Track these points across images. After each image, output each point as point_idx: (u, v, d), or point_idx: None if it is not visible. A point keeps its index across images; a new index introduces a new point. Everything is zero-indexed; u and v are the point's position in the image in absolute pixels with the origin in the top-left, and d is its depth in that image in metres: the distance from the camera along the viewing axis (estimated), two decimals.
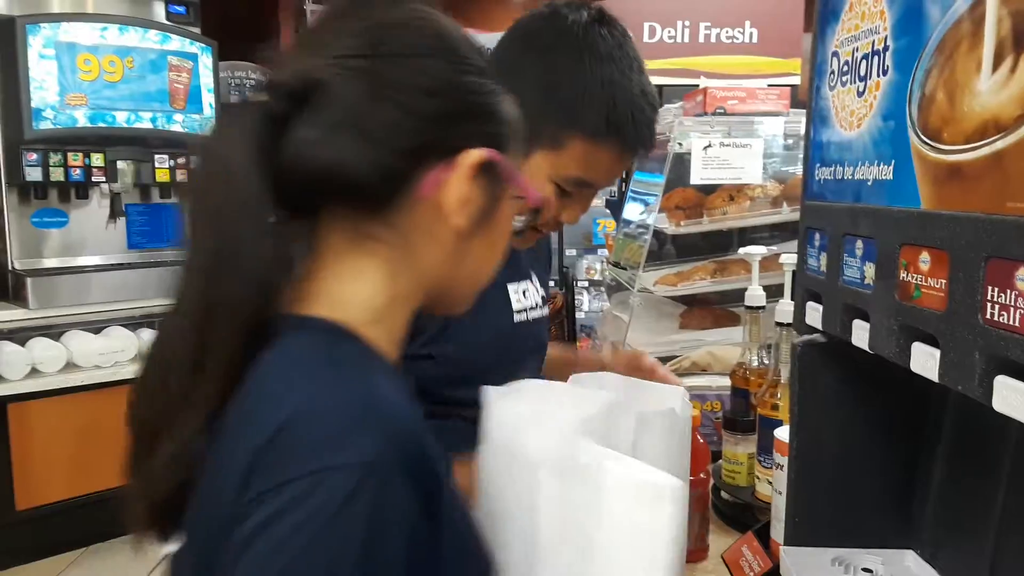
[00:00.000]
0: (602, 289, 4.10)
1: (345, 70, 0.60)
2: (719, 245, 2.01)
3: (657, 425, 0.88)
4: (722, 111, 1.61)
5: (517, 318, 1.11)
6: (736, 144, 1.61)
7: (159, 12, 3.38)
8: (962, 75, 0.60)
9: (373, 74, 0.61)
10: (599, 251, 4.22)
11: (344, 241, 0.63)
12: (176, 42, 3.23)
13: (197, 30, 3.42)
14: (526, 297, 1.14)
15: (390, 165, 0.61)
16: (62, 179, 3.01)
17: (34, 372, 2.93)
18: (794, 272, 0.99)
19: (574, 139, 0.99)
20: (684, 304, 1.97)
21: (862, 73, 0.76)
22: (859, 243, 0.76)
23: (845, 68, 0.80)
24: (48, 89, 2.94)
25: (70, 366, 3.00)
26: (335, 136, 0.59)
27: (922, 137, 0.66)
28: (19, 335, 2.96)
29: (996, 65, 0.57)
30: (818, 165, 0.88)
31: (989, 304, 0.57)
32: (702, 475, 1.15)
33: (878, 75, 0.73)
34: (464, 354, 1.00)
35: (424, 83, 0.62)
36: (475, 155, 0.63)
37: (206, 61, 3.33)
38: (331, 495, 0.49)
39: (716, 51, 4.05)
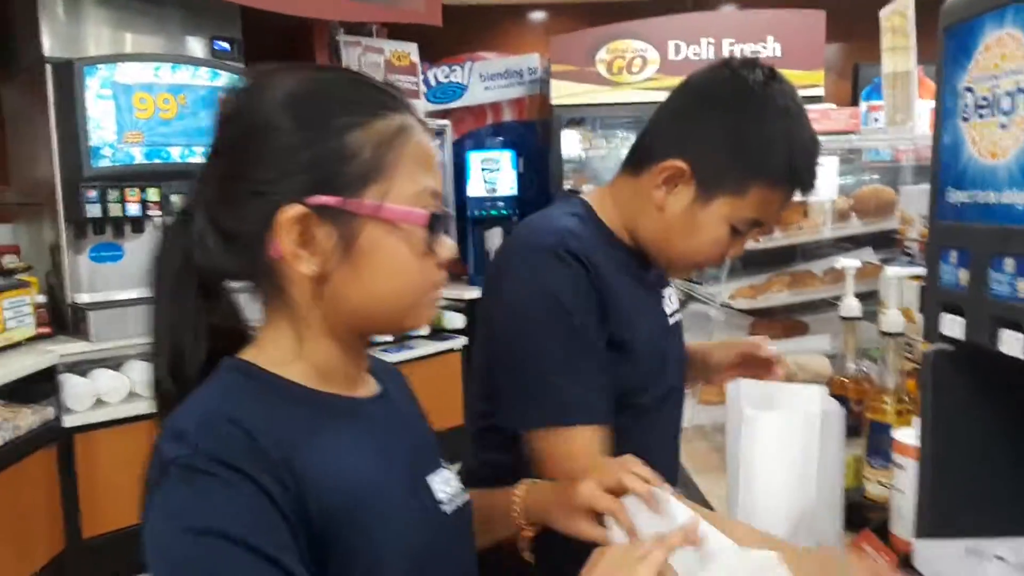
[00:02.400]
0: None
1: (199, 183, 0.77)
2: (781, 257, 2.09)
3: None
4: None
5: (671, 321, 1.24)
6: None
7: (196, 49, 3.48)
8: None
9: (206, 175, 0.76)
10: None
11: (267, 299, 0.78)
12: (225, 78, 3.32)
13: (241, 65, 3.52)
14: (672, 302, 1.26)
15: (235, 251, 0.75)
16: (120, 214, 3.09)
17: (99, 403, 3.00)
18: (922, 287, 1.07)
19: (756, 185, 1.08)
20: (751, 315, 2.04)
21: (1005, 108, 0.85)
22: (1008, 261, 0.84)
23: (983, 103, 0.89)
24: (106, 128, 3.02)
25: (132, 396, 3.07)
26: (200, 239, 0.75)
27: None
28: (81, 367, 3.03)
29: None
30: (951, 189, 0.96)
31: None
32: None
33: None
34: (646, 359, 1.12)
35: (228, 172, 0.74)
36: (287, 212, 0.71)
37: None
38: (167, 493, 0.67)
39: None
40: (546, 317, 1.06)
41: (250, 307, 0.82)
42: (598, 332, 1.07)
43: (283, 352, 0.76)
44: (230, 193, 0.74)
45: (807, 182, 1.11)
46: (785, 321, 1.99)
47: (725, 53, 4.13)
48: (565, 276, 1.05)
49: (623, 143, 4.65)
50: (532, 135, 4.89)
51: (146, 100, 3.10)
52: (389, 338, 3.94)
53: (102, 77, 2.99)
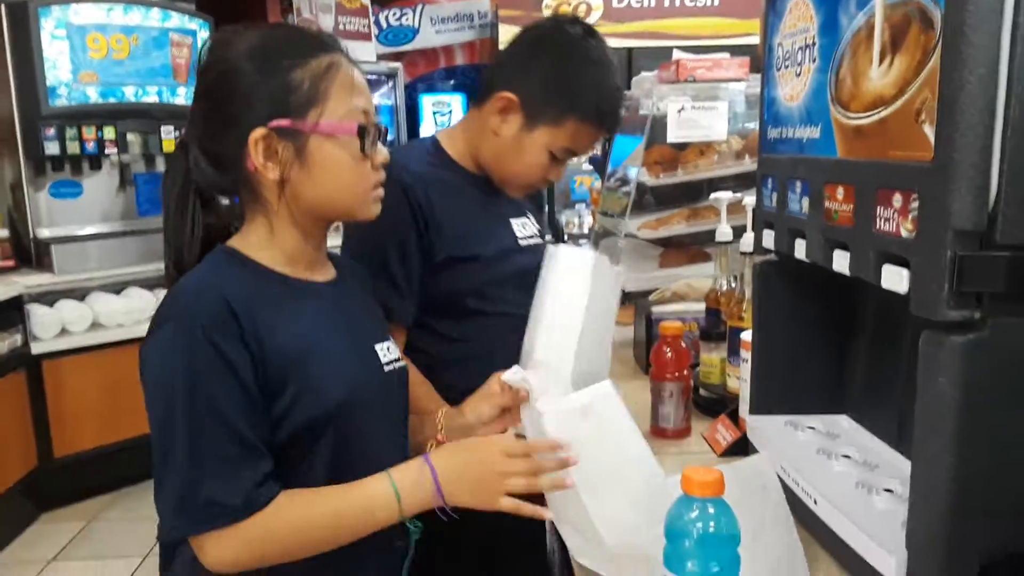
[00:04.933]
0: (581, 242, 4.41)
1: (189, 123, 1.02)
2: (691, 195, 2.30)
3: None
4: (692, 79, 1.89)
5: (522, 243, 1.46)
6: (705, 107, 1.90)
7: None
8: (862, 66, 0.90)
9: (194, 115, 1.01)
10: (576, 206, 4.53)
11: (247, 203, 1.03)
12: (176, 19, 3.42)
13: (192, 6, 3.61)
14: (525, 228, 1.49)
15: (222, 169, 0.99)
16: (77, 152, 3.22)
17: (64, 332, 3.17)
18: (754, 209, 1.29)
19: (570, 121, 1.34)
20: (662, 246, 2.27)
21: (798, 60, 1.06)
22: (798, 184, 1.06)
23: (787, 56, 1.09)
24: (61, 68, 3.13)
25: (96, 325, 3.24)
26: (195, 164, 1.01)
27: (838, 108, 0.95)
28: (47, 298, 3.18)
29: (881, 60, 0.86)
30: (770, 126, 1.17)
31: (878, 218, 0.87)
32: (685, 372, 1.46)
33: (809, 63, 1.02)
34: (487, 271, 1.36)
35: (208, 111, 0.99)
36: (254, 134, 0.96)
37: (204, 36, 3.52)
38: (166, 335, 0.92)
39: (681, 14, 4.32)
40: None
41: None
42: (419, 246, 1.33)
43: (259, 239, 1.02)
44: (212, 126, 0.99)
45: (611, 122, 1.38)
46: (690, 250, 2.22)
47: (666, 2, 4.29)
48: (392, 201, 1.26)
49: None
50: None
51: (99, 40, 3.20)
52: None
53: (56, 18, 3.09)
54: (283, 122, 0.96)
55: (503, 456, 1.00)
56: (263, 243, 1.02)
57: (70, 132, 3.18)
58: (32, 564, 2.90)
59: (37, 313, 3.10)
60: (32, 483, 3.12)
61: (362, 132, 0.99)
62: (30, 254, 3.34)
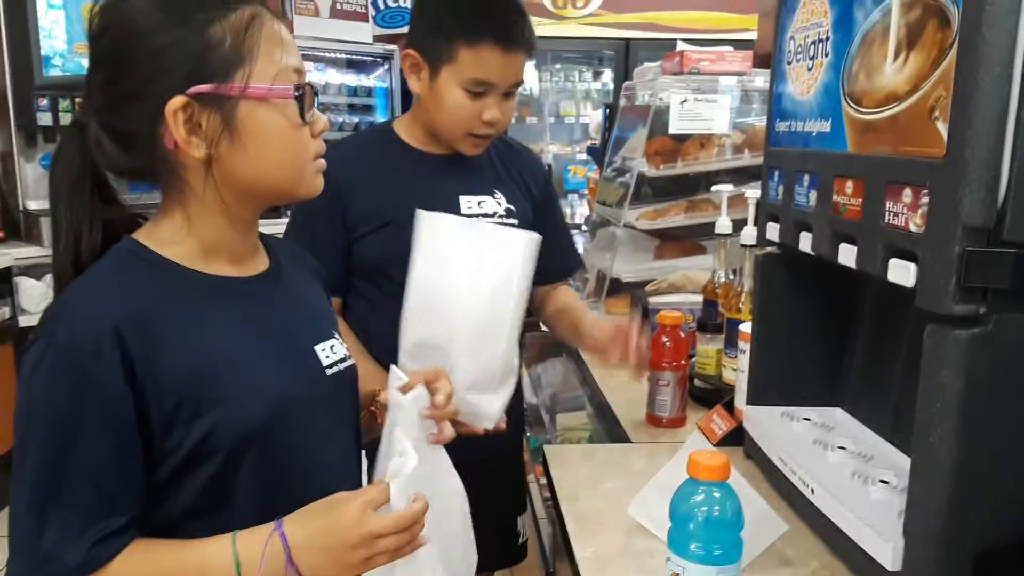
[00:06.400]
0: (573, 232, 4.42)
1: (85, 95, 0.88)
2: (689, 187, 2.32)
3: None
4: (696, 71, 1.90)
5: (490, 220, 1.42)
6: (707, 99, 1.91)
7: None
8: (876, 61, 0.91)
9: (90, 86, 0.86)
10: (569, 196, 4.54)
11: (165, 189, 0.89)
12: None
13: None
14: (481, 207, 1.42)
15: (131, 149, 0.84)
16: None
17: None
18: (758, 201, 1.30)
19: (460, 49, 1.29)
20: (658, 238, 2.28)
21: (811, 54, 1.07)
22: (806, 177, 1.07)
23: (799, 49, 1.10)
24: (56, 38, 3.09)
25: None
26: (97, 145, 0.85)
27: (850, 103, 0.96)
28: (35, 271, 3.14)
29: (896, 57, 0.87)
30: (778, 120, 1.18)
31: (887, 213, 0.88)
32: (683, 361, 1.48)
33: (822, 57, 1.03)
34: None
35: (109, 80, 0.84)
36: (172, 104, 0.81)
37: None
38: (37, 355, 0.79)
39: (680, 6, 4.32)
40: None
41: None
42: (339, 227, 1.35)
43: (173, 231, 0.88)
44: (115, 98, 0.84)
45: (502, 32, 1.30)
46: (686, 243, 2.24)
47: None
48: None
49: (581, 77, 4.79)
50: None
51: None
52: None
53: None
54: (204, 87, 0.82)
55: (368, 536, 0.85)
56: (176, 235, 0.88)
57: (63, 103, 3.14)
58: None
59: (25, 286, 3.07)
60: None
61: (299, 95, 0.86)
62: (19, 226, 3.30)
